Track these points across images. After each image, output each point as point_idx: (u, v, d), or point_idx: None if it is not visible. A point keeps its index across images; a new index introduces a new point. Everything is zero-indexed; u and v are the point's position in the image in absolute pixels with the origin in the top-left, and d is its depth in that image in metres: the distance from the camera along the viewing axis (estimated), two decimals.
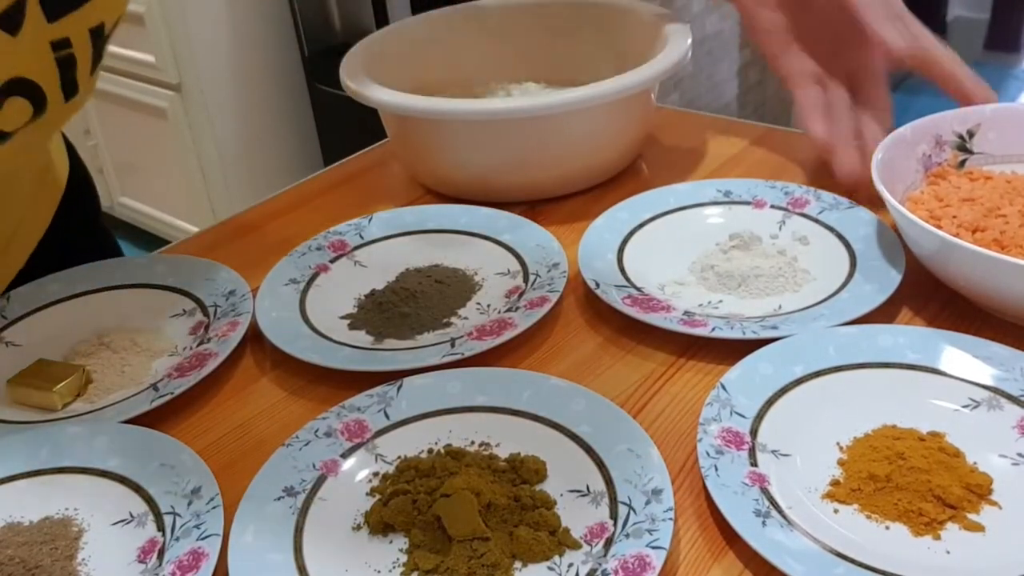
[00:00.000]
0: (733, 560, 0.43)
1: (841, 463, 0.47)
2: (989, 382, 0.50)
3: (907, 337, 0.53)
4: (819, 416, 0.49)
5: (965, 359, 0.51)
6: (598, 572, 0.41)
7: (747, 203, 0.69)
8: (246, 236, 0.76)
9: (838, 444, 0.48)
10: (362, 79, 0.74)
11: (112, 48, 2.21)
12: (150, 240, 2.51)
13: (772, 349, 0.52)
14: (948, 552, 0.42)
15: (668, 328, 0.55)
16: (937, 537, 0.43)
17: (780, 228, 0.66)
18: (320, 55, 2.09)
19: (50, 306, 0.66)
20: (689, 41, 0.74)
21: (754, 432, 0.48)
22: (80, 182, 0.85)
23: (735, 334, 0.54)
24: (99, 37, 0.60)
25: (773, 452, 0.47)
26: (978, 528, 0.43)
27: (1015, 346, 0.51)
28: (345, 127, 2.11)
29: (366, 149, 0.90)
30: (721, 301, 0.60)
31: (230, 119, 2.14)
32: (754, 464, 0.46)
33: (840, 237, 0.64)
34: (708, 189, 0.70)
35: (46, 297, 0.67)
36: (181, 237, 0.80)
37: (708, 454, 0.46)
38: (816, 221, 0.66)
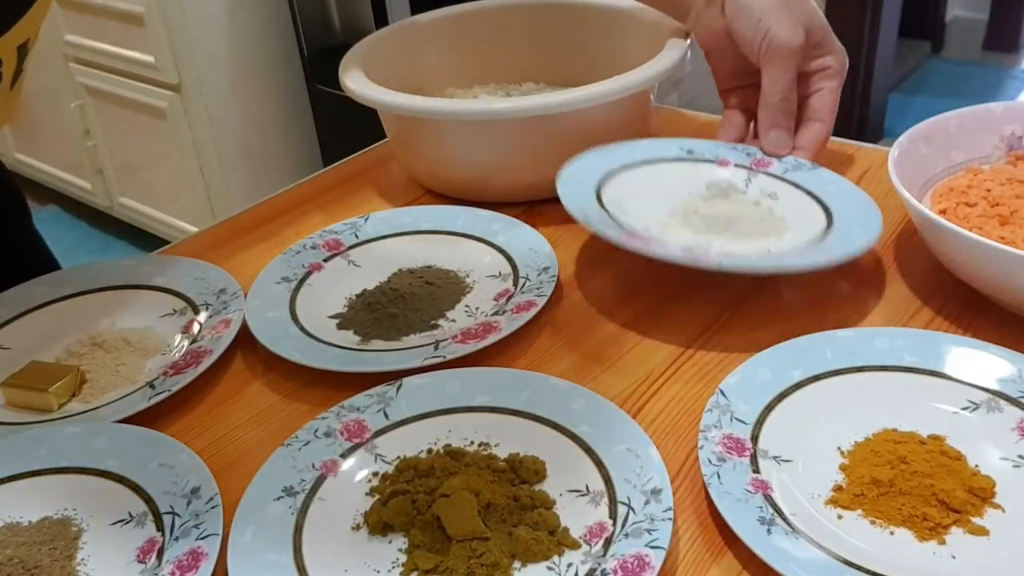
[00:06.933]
0: (732, 560, 0.43)
1: (843, 468, 0.47)
2: (988, 384, 0.50)
3: (904, 340, 0.53)
4: (819, 421, 0.49)
5: (963, 361, 0.51)
6: (597, 572, 0.41)
7: (711, 161, 0.69)
8: (246, 236, 0.76)
9: (839, 449, 0.48)
10: (361, 79, 0.74)
11: (112, 48, 2.19)
12: (150, 240, 2.51)
13: (770, 354, 0.52)
14: (954, 557, 0.42)
15: (671, 260, 0.55)
16: (942, 542, 0.42)
17: (747, 185, 0.67)
18: (320, 55, 2.09)
19: (38, 309, 0.66)
20: (688, 41, 0.74)
21: (755, 438, 0.48)
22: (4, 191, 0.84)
23: (744, 265, 0.54)
24: (23, 53, 0.60)
25: (775, 458, 0.47)
26: (982, 532, 0.43)
27: (1013, 347, 0.51)
28: (344, 127, 2.11)
29: (365, 149, 0.90)
30: (711, 243, 0.61)
31: (230, 119, 2.13)
32: (756, 471, 0.46)
33: (809, 193, 0.65)
34: (671, 147, 0.70)
35: (34, 300, 0.66)
36: (181, 237, 0.80)
37: (710, 461, 0.46)
38: (781, 179, 0.67)
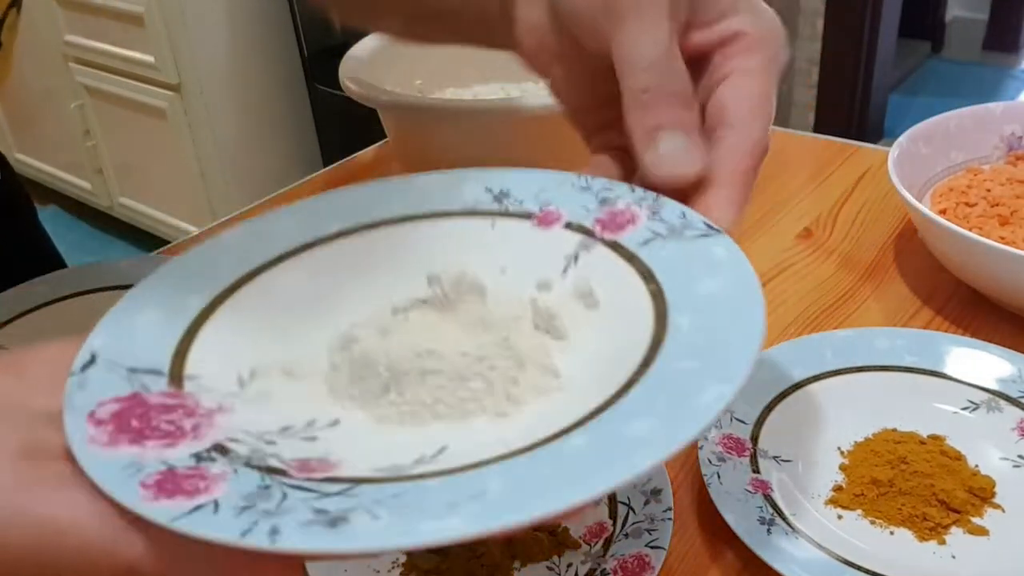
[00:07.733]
0: (732, 560, 0.43)
1: (843, 468, 0.47)
2: (987, 384, 0.50)
3: (905, 339, 0.53)
4: (819, 421, 0.49)
5: (963, 361, 0.51)
6: (597, 572, 0.41)
7: (527, 216, 0.37)
8: None
9: (839, 449, 0.48)
10: (362, 79, 0.74)
11: (111, 48, 2.18)
12: (150, 240, 2.51)
13: (770, 354, 0.52)
14: (954, 557, 0.42)
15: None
16: (942, 542, 0.43)
17: (567, 268, 0.34)
18: (320, 55, 2.09)
19: (38, 309, 0.66)
20: None
21: (755, 438, 0.48)
22: (10, 190, 0.83)
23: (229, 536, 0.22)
24: None
25: (775, 458, 0.47)
26: (982, 532, 0.43)
27: (1013, 347, 0.51)
28: (345, 127, 2.11)
29: (366, 149, 0.90)
30: (336, 422, 0.29)
31: (230, 119, 2.13)
32: (756, 471, 0.46)
33: (656, 297, 0.30)
34: (471, 186, 0.39)
35: (34, 300, 0.66)
36: (181, 237, 0.80)
37: (710, 461, 0.46)
38: (632, 259, 0.32)
